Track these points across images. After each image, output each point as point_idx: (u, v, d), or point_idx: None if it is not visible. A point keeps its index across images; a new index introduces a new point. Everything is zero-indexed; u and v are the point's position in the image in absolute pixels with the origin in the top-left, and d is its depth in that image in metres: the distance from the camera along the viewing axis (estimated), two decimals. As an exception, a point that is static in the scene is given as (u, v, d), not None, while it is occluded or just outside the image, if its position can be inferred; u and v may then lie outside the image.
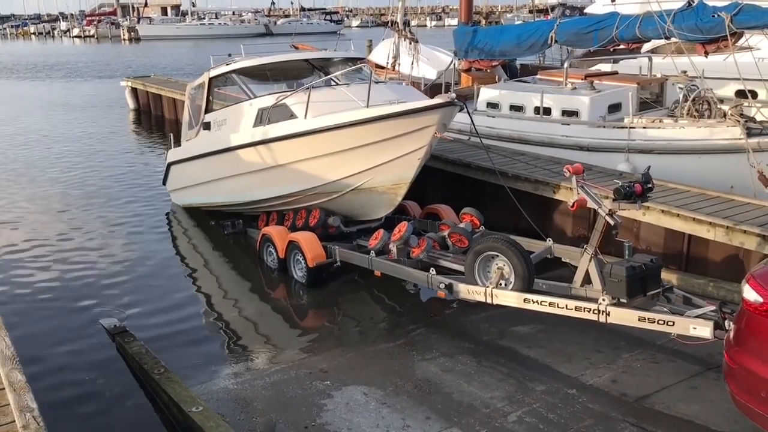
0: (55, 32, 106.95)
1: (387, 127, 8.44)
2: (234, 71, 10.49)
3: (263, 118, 9.59)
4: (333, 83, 9.94)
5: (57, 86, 36.58)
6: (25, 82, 39.09)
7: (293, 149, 9.24)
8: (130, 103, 26.01)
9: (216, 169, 10.68)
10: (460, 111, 8.60)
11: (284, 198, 9.96)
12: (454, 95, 8.39)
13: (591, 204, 6.66)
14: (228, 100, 10.93)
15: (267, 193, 10.10)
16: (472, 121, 8.93)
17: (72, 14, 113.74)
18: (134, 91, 25.92)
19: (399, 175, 8.86)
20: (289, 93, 9.60)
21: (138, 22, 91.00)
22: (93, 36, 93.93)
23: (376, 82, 9.48)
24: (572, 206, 6.62)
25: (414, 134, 8.42)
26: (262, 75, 10.75)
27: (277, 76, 11.06)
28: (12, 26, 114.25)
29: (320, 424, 5.88)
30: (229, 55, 11.55)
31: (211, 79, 10.81)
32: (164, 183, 12.98)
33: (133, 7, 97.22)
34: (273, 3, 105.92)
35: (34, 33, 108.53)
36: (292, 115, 9.22)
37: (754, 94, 11.99)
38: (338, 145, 8.83)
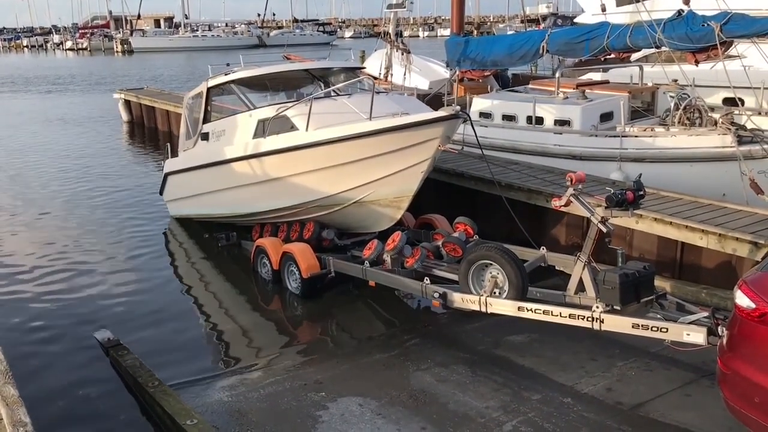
0: (48, 45, 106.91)
1: (390, 140, 8.35)
2: (233, 81, 10.38)
3: (263, 129, 9.47)
4: (334, 94, 9.83)
5: (50, 99, 36.52)
6: (19, 95, 39.01)
7: (294, 162, 9.15)
8: (124, 116, 26.00)
9: (214, 181, 10.58)
10: (463, 123, 8.54)
11: (284, 210, 9.88)
12: (458, 108, 8.33)
13: (583, 212, 6.72)
14: (223, 112, 10.89)
15: (267, 206, 10.02)
16: (475, 133, 8.80)
17: (65, 27, 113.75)
18: (127, 103, 25.92)
19: (402, 188, 8.77)
20: (289, 104, 9.49)
21: (131, 34, 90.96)
22: (86, 49, 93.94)
23: (378, 93, 9.35)
24: (556, 206, 6.84)
25: (418, 147, 8.33)
26: (261, 85, 10.67)
27: (276, 87, 10.99)
28: (4, 39, 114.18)
29: (315, 436, 5.87)
30: (228, 64, 11.49)
31: (209, 89, 10.71)
32: (161, 193, 12.91)
33: (126, 20, 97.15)
34: (259, 15, 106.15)
35: (27, 46, 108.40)
36: (292, 127, 9.11)
37: (741, 102, 12.09)
38: (340, 158, 8.73)
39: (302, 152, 8.97)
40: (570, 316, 6.53)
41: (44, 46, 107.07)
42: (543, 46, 12.67)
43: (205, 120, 10.83)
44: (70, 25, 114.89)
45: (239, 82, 10.37)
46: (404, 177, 8.64)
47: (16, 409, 4.15)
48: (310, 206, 9.52)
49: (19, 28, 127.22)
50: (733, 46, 11.38)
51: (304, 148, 8.92)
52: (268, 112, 9.57)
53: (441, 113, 8.19)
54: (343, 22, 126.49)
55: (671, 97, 11.29)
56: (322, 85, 10.68)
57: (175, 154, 12.15)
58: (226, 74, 10.67)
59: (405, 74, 14.83)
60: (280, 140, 9.22)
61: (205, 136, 10.76)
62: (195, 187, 11.33)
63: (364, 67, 12.62)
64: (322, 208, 9.44)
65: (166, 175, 12.26)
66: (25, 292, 9.64)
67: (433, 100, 13.26)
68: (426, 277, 7.83)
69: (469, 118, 8.54)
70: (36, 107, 32.98)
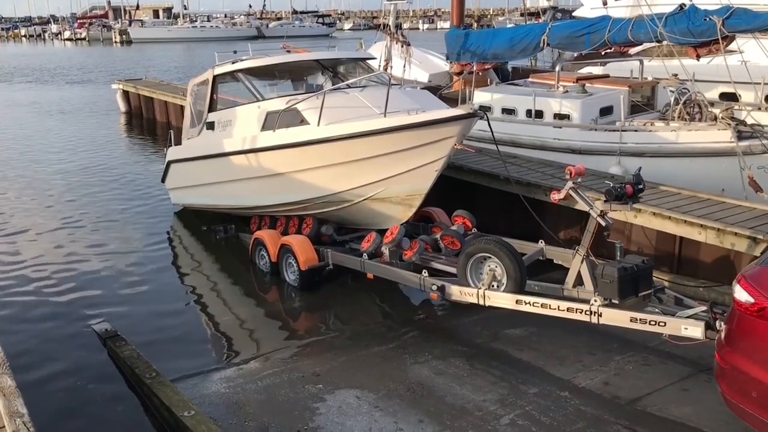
0: (46, 35, 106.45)
1: (406, 138, 8.14)
2: (240, 70, 10.14)
3: (272, 122, 9.24)
4: (344, 86, 9.49)
5: (49, 89, 36.37)
6: (17, 86, 38.83)
7: (304, 157, 8.94)
8: (122, 106, 25.88)
9: (220, 172, 10.40)
10: (480, 119, 8.25)
11: (292, 205, 9.71)
12: (476, 105, 8.11)
13: (582, 205, 6.71)
14: (222, 103, 10.73)
15: (274, 200, 9.86)
16: (491, 129, 8.48)
17: (63, 17, 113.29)
18: (126, 93, 25.80)
19: (415, 186, 8.58)
20: (300, 97, 9.25)
21: (129, 24, 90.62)
22: (84, 39, 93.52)
23: (391, 86, 9.02)
24: (555, 199, 6.80)
25: (433, 145, 8.12)
26: (268, 75, 10.45)
27: (284, 77, 10.75)
28: (2, 29, 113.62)
29: (313, 428, 5.86)
30: (235, 52, 11.30)
31: (215, 77, 10.48)
32: (163, 181, 12.74)
33: (124, 10, 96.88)
34: (251, 6, 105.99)
35: (24, 36, 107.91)
36: (303, 121, 8.89)
37: (736, 97, 12.07)
38: (353, 154, 8.53)
39: (313, 148, 8.74)
40: (568, 309, 6.54)
41: (42, 36, 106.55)
42: (544, 40, 12.63)
43: (211, 109, 10.60)
44: (68, 15, 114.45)
45: (247, 71, 10.12)
46: (418, 175, 8.43)
47: (13, 400, 4.14)
48: (318, 202, 9.35)
49: (16, 18, 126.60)
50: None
51: (315, 143, 8.69)
52: (277, 104, 9.35)
53: (459, 111, 7.96)
54: (343, 14, 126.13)
55: (671, 91, 11.27)
56: (331, 75, 10.44)
57: (178, 141, 11.96)
58: (233, 63, 10.44)
59: (405, 67, 14.76)
60: (289, 134, 8.99)
61: (210, 126, 10.56)
62: (199, 177, 11.15)
63: (374, 58, 12.40)
64: (331, 204, 9.27)
65: (169, 162, 12.08)
66: (22, 283, 9.62)
67: (434, 93, 13.17)
68: (424, 270, 7.82)
69: (487, 116, 8.22)
70: (34, 97, 32.82)
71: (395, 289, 8.89)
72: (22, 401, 4.14)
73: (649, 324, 6.10)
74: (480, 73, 14.56)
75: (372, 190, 8.83)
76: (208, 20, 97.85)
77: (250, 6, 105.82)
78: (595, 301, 6.40)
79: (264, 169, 9.57)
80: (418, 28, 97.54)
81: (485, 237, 7.75)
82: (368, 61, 11.13)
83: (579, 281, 6.85)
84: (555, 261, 8.06)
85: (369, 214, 9.20)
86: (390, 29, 15.47)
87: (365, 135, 8.27)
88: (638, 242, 8.98)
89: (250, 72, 10.17)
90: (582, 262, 6.76)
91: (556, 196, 6.77)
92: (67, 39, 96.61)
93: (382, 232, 8.76)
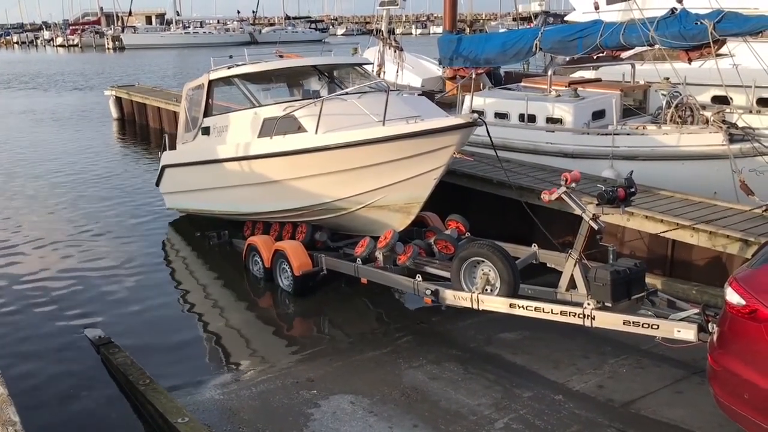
0: (39, 41, 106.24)
1: (405, 146, 8.08)
2: (237, 76, 10.09)
3: (269, 128, 9.17)
4: (344, 94, 9.43)
5: (41, 96, 36.27)
6: (12, 93, 38.69)
7: (302, 165, 8.88)
8: (114, 113, 25.80)
9: (216, 178, 10.33)
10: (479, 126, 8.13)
11: (289, 212, 9.67)
12: (476, 115, 8.06)
13: (574, 209, 6.74)
14: (216, 110, 10.70)
15: (271, 206, 9.80)
16: (489, 135, 8.28)
17: (56, 23, 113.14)
18: (118, 100, 25.74)
19: (413, 194, 8.52)
20: (297, 104, 9.17)
21: (122, 31, 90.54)
22: (77, 45, 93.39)
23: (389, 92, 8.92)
24: (546, 199, 6.78)
25: (432, 154, 8.07)
26: (265, 80, 10.43)
27: (280, 82, 10.74)
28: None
29: (307, 434, 5.86)
30: (231, 57, 11.26)
31: (211, 81, 10.42)
32: (157, 185, 12.66)
33: (117, 16, 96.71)
34: (239, 12, 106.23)
35: (17, 42, 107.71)
36: (300, 128, 8.82)
37: (728, 101, 12.14)
38: (351, 162, 8.47)
39: (311, 155, 8.70)
40: (561, 313, 6.56)
41: (34, 43, 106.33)
42: (536, 44, 12.66)
43: (206, 113, 10.54)
44: (60, 21, 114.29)
45: (243, 76, 10.06)
46: (416, 183, 8.39)
47: (5, 408, 4.12)
48: (316, 209, 9.30)
49: (8, 24, 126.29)
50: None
51: (313, 151, 8.65)
52: (275, 110, 9.28)
53: (459, 120, 7.90)
54: (336, 19, 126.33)
55: (663, 95, 11.33)
56: (328, 80, 10.42)
57: (173, 146, 11.86)
58: (229, 67, 10.39)
59: (397, 72, 14.80)
60: (287, 142, 8.95)
61: (206, 131, 10.48)
62: (195, 182, 11.08)
63: (371, 63, 12.33)
64: (329, 211, 9.22)
65: (164, 167, 12.00)
66: (15, 290, 9.58)
67: (429, 98, 13.18)
68: (418, 275, 7.82)
69: (485, 123, 8.07)
70: (27, 105, 32.72)
71: (389, 294, 8.89)
72: (14, 409, 4.12)
73: (642, 327, 6.12)
74: (474, 78, 14.59)
75: (370, 198, 8.79)
76: (201, 26, 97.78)
77: (239, 12, 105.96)
78: (588, 304, 6.41)
79: (261, 176, 9.52)
80: (411, 33, 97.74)
81: (478, 241, 7.75)
82: (365, 67, 11.12)
83: (572, 284, 6.86)
84: (548, 264, 8.07)
85: (367, 222, 9.16)
86: (383, 34, 15.53)
87: (364, 144, 8.24)
88: (631, 245, 9.01)
89: (247, 77, 10.12)
90: (575, 266, 6.77)
91: (546, 197, 6.75)
92: (60, 45, 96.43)
93: (375, 237, 8.75)
